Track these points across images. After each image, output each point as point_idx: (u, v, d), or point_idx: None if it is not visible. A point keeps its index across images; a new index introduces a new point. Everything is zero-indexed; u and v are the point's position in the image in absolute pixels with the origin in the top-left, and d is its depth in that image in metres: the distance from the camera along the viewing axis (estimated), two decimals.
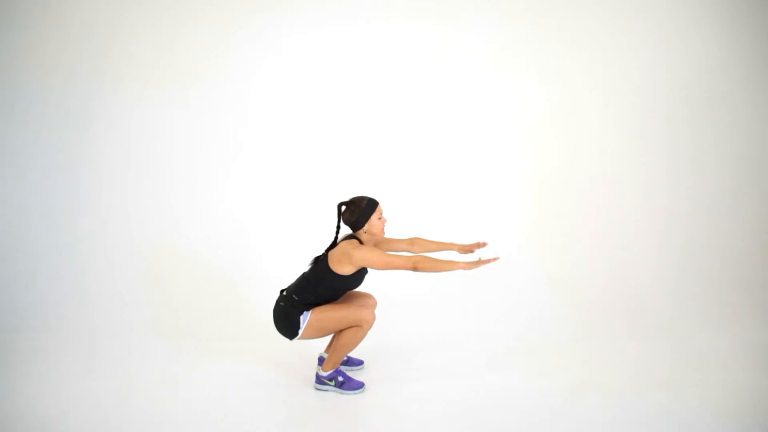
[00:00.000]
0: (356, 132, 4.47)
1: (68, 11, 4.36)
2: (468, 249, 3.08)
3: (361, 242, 2.86)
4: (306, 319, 2.83)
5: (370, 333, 3.39)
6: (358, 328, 2.85)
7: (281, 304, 2.88)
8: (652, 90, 4.35)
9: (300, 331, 2.84)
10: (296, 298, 2.86)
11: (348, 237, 2.91)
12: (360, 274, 2.89)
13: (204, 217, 4.44)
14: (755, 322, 3.67)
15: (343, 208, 2.89)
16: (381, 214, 2.91)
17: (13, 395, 2.92)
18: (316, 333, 2.87)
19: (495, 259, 2.76)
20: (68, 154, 4.39)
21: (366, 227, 2.87)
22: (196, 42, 4.42)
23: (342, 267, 2.81)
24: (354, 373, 3.15)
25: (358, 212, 2.85)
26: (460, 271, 2.83)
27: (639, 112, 4.38)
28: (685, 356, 3.30)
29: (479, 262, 2.72)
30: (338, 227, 2.91)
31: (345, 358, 3.22)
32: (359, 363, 3.24)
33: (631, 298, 3.99)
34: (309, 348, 3.30)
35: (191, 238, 4.39)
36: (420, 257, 2.75)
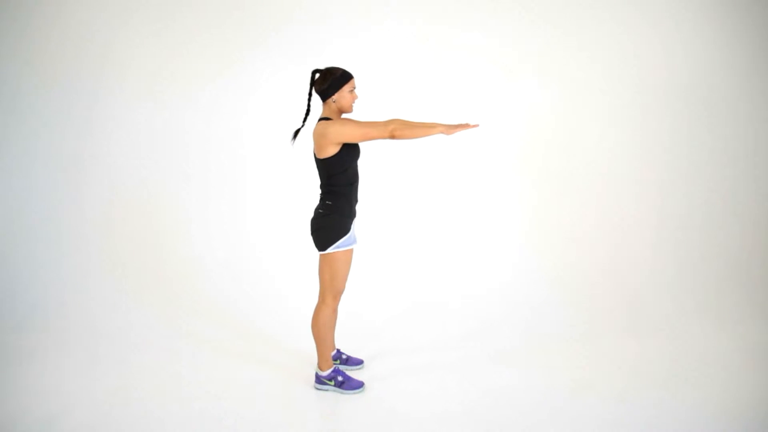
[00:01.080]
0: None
1: (69, 10, 4.36)
2: (453, 129, 2.79)
3: (329, 120, 2.78)
4: (344, 245, 2.81)
5: (370, 332, 3.40)
6: (319, 312, 2.88)
7: (320, 210, 2.85)
8: (651, 89, 4.35)
9: (333, 247, 2.80)
10: (330, 203, 2.83)
11: (319, 120, 2.82)
12: (351, 148, 2.80)
13: (204, 217, 4.44)
14: (755, 322, 3.67)
15: (317, 75, 2.82)
16: (354, 88, 2.81)
17: (13, 395, 2.92)
18: (330, 262, 2.83)
19: (475, 126, 2.69)
20: (68, 153, 4.39)
21: (335, 97, 2.78)
22: (198, 41, 4.42)
23: (325, 150, 2.74)
24: (354, 373, 3.15)
25: (330, 79, 2.76)
26: (440, 136, 2.73)
27: (638, 110, 4.37)
28: (684, 356, 3.30)
29: (459, 126, 2.65)
30: (310, 94, 2.84)
31: (345, 358, 3.22)
32: (359, 363, 3.24)
33: (631, 297, 3.99)
34: (308, 348, 3.30)
35: (191, 238, 4.39)
36: (397, 122, 2.66)
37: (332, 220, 2.82)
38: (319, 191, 2.93)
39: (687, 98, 4.33)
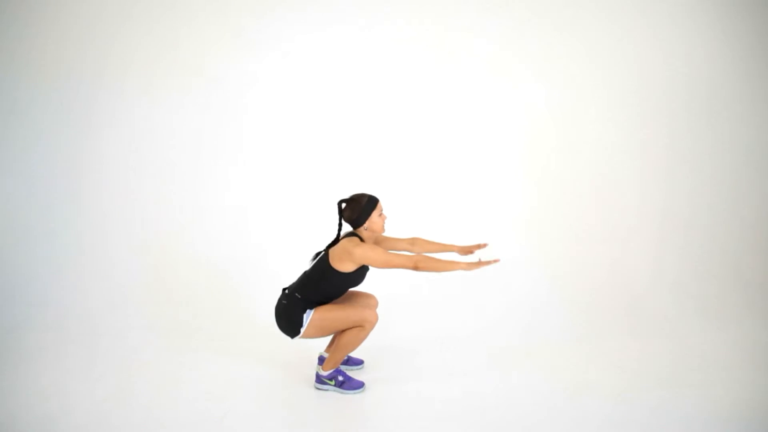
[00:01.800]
0: (357, 131, 4.47)
1: (69, 10, 4.36)
2: (468, 250, 3.09)
3: (361, 239, 2.86)
4: (309, 317, 2.84)
5: (370, 333, 3.38)
6: (360, 329, 2.85)
7: (284, 302, 2.89)
8: (652, 89, 4.35)
9: (302, 330, 2.85)
10: (299, 296, 2.86)
11: (348, 234, 2.91)
12: (361, 272, 2.90)
13: (205, 217, 4.43)
14: (755, 322, 3.67)
15: (344, 205, 2.90)
16: (381, 211, 2.92)
17: (14, 394, 2.92)
18: (318, 332, 2.87)
19: (495, 261, 2.77)
20: (69, 153, 4.39)
21: (367, 224, 2.88)
22: (198, 40, 4.42)
23: (343, 264, 2.81)
24: (354, 373, 3.15)
25: (358, 210, 2.85)
26: (460, 272, 2.84)
27: (638, 111, 4.37)
28: (684, 356, 3.31)
29: (479, 264, 2.73)
30: (340, 225, 2.92)
31: (345, 358, 3.22)
32: (359, 363, 3.24)
33: (631, 297, 3.99)
34: (309, 347, 3.31)
35: (192, 238, 4.39)
36: (421, 257, 2.77)
37: (295, 312, 2.85)
38: (296, 277, 2.97)
39: (688, 98, 4.34)
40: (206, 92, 4.44)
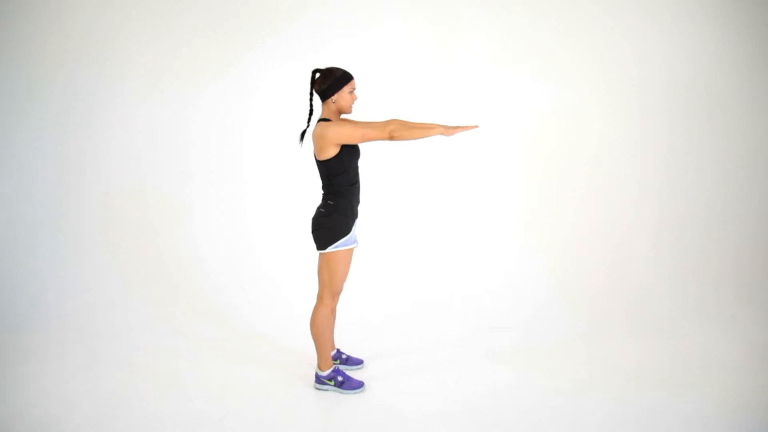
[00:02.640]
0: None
1: (69, 10, 4.36)
2: (452, 130, 2.80)
3: (329, 122, 2.78)
4: (345, 244, 2.81)
5: (370, 332, 3.39)
6: (316, 313, 2.88)
7: (322, 210, 2.85)
8: (651, 89, 4.35)
9: (334, 245, 2.80)
10: (332, 203, 2.83)
11: (318, 122, 2.83)
12: (351, 150, 2.81)
13: (205, 216, 4.44)
14: (755, 322, 3.67)
15: (318, 75, 2.82)
16: (354, 89, 2.81)
17: (13, 395, 2.92)
18: (329, 262, 2.84)
19: (474, 126, 2.69)
20: (68, 153, 4.39)
21: (335, 97, 2.78)
22: (198, 41, 4.42)
23: (325, 152, 2.75)
24: (354, 373, 3.15)
25: (330, 79, 2.76)
26: (439, 137, 2.74)
27: (638, 111, 4.37)
28: (684, 356, 3.30)
29: (457, 128, 2.65)
30: (311, 94, 2.84)
31: (345, 357, 3.22)
32: (359, 362, 3.24)
33: (631, 297, 3.99)
34: (309, 347, 3.30)
35: (192, 238, 4.39)
36: (396, 123, 2.68)
37: (333, 219, 2.82)
38: (321, 192, 2.93)
39: (687, 98, 4.33)
40: (207, 92, 4.44)
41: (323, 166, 2.82)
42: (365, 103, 4.46)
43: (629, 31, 4.35)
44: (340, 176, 2.81)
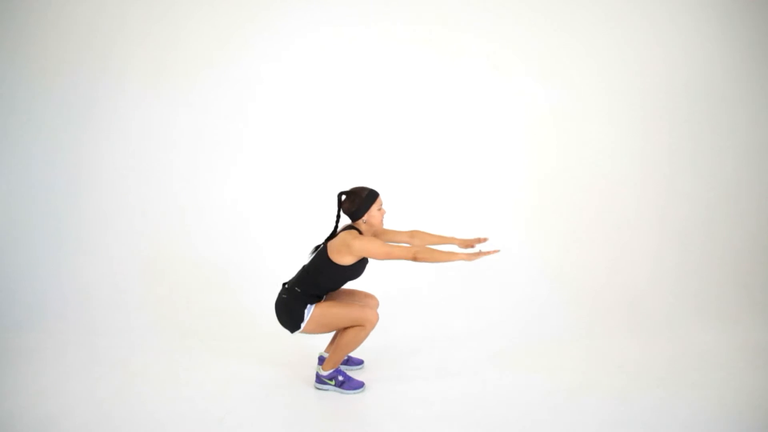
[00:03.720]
0: (358, 131, 4.47)
1: (69, 10, 4.36)
2: (469, 243, 3.08)
3: (360, 233, 2.86)
4: (310, 312, 2.84)
5: (370, 333, 3.38)
6: (360, 328, 2.85)
7: (284, 296, 2.89)
8: (652, 89, 4.35)
9: (303, 324, 2.84)
10: (298, 290, 2.86)
11: (347, 227, 2.91)
12: (361, 265, 2.89)
13: (205, 216, 4.43)
14: (755, 322, 3.67)
15: (343, 197, 2.90)
16: (381, 205, 2.92)
17: (14, 394, 2.92)
18: (318, 328, 2.87)
19: (495, 252, 2.76)
20: (69, 153, 4.39)
21: (365, 218, 2.88)
22: (198, 41, 4.42)
23: (342, 257, 2.81)
24: (354, 373, 3.15)
25: (358, 202, 2.85)
26: (460, 263, 2.82)
27: (638, 111, 4.37)
28: (684, 356, 3.30)
29: (479, 254, 2.72)
30: (338, 217, 2.91)
31: (345, 358, 3.22)
32: (359, 363, 3.24)
33: (631, 297, 3.99)
34: (309, 347, 3.31)
35: (192, 238, 4.39)
36: (420, 247, 2.75)
37: (296, 307, 2.85)
38: (296, 271, 2.97)
39: (687, 98, 4.33)
40: (206, 91, 4.44)
41: (325, 264, 2.84)
42: (366, 103, 4.48)
43: (630, 32, 4.35)
44: (328, 281, 2.87)
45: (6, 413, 2.74)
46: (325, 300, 2.93)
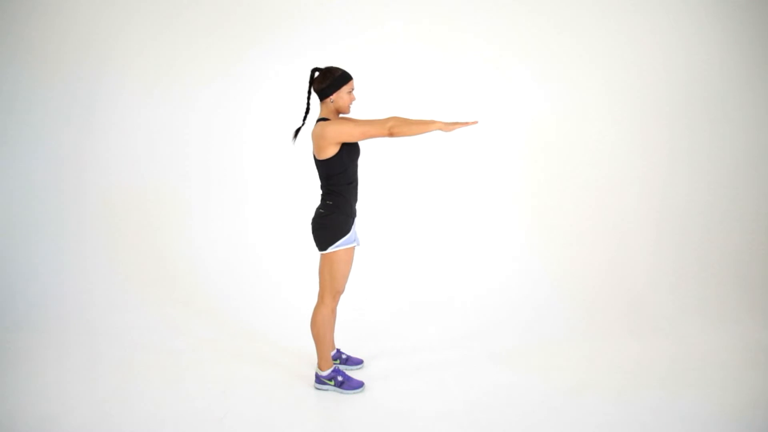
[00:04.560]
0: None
1: (69, 10, 4.36)
2: (452, 126, 2.78)
3: (327, 120, 2.78)
4: (346, 243, 2.82)
5: (370, 333, 3.39)
6: (317, 313, 2.88)
7: (321, 210, 2.85)
8: (652, 90, 4.34)
9: (336, 245, 2.81)
10: (330, 203, 2.83)
11: (317, 122, 2.83)
12: (351, 148, 2.80)
13: (205, 217, 4.44)
14: (755, 322, 3.66)
15: (317, 74, 2.82)
16: (352, 89, 2.81)
17: (14, 394, 2.92)
18: (330, 261, 2.84)
19: (473, 123, 2.69)
20: (68, 153, 4.39)
21: (333, 97, 2.78)
22: (198, 41, 4.42)
23: (324, 151, 2.74)
24: (354, 373, 3.15)
25: (330, 79, 2.76)
26: (438, 133, 2.73)
27: (638, 111, 4.37)
28: (684, 356, 3.30)
29: (457, 123, 2.64)
30: (309, 93, 2.84)
31: (345, 357, 3.22)
32: (359, 363, 3.24)
33: (631, 297, 3.99)
34: (309, 347, 3.30)
35: (192, 238, 4.39)
36: (395, 120, 2.66)
37: (333, 219, 2.82)
38: (320, 191, 2.93)
39: (688, 98, 4.33)
40: (207, 91, 4.44)
41: (322, 165, 2.82)
42: (366, 102, 4.47)
43: (629, 31, 4.35)
44: (339, 175, 2.81)
45: (6, 413, 2.74)
46: (349, 195, 2.85)
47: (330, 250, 2.83)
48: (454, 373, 3.14)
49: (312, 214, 2.93)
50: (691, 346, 3.42)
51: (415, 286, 4.15)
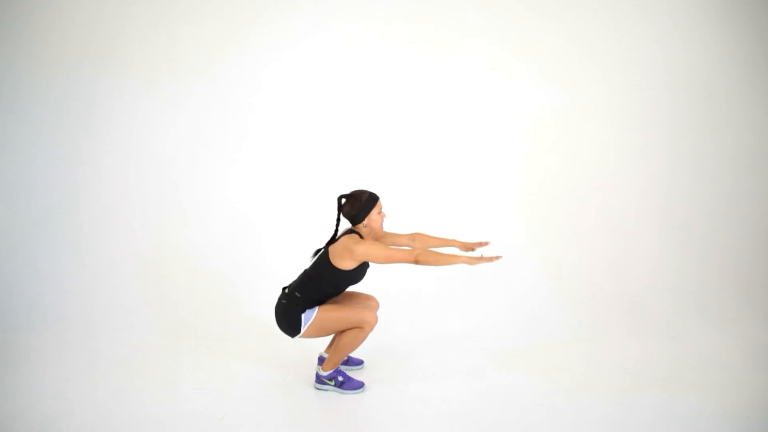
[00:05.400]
0: (359, 132, 4.47)
1: (69, 11, 4.36)
2: (470, 247, 3.07)
3: (361, 237, 2.86)
4: (309, 318, 2.83)
5: (370, 333, 3.38)
6: (359, 330, 2.84)
7: (283, 301, 2.89)
8: (652, 90, 4.35)
9: (302, 329, 2.84)
10: (299, 296, 2.86)
11: (348, 231, 2.91)
12: (362, 269, 2.89)
13: (205, 216, 4.43)
14: (755, 322, 3.67)
15: (343, 201, 2.89)
16: (381, 208, 2.91)
17: (14, 394, 2.92)
18: (318, 332, 2.87)
19: (497, 258, 2.75)
20: (68, 153, 4.38)
21: (366, 221, 2.87)
22: (197, 41, 4.41)
23: (343, 262, 2.80)
24: (354, 373, 3.15)
25: (358, 206, 2.84)
26: (462, 266, 2.82)
27: (639, 111, 4.37)
28: (684, 356, 3.31)
29: (481, 259, 2.72)
30: (338, 220, 2.91)
31: (345, 358, 3.22)
32: (359, 363, 3.24)
33: (631, 297, 3.99)
34: (309, 347, 3.31)
35: (192, 238, 4.39)
36: (422, 250, 2.75)
37: (294, 312, 2.85)
38: (296, 276, 2.96)
39: (688, 98, 4.33)
40: (206, 92, 4.43)
41: (328, 269, 2.83)
42: (366, 104, 4.48)
43: (630, 32, 4.35)
44: (329, 285, 2.86)
45: (6, 413, 2.74)
46: (325, 304, 2.91)
47: (303, 332, 2.85)
48: (454, 373, 3.14)
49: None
50: (691, 346, 3.43)
51: (415, 286, 4.15)
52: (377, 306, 3.10)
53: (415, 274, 4.22)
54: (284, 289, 2.94)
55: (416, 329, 3.70)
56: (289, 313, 2.86)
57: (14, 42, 4.33)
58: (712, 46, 4.32)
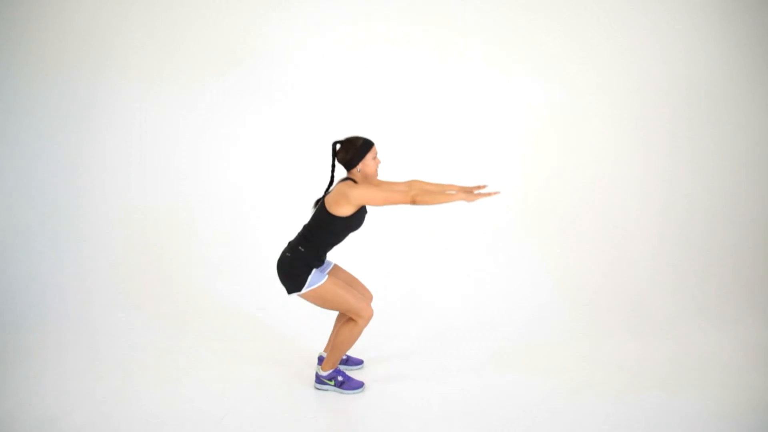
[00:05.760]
0: (359, 132, 4.46)
1: (69, 11, 4.36)
2: (468, 191, 2.98)
3: (355, 183, 2.82)
4: (316, 282, 2.80)
5: (370, 332, 3.39)
6: (354, 324, 2.84)
7: (287, 254, 2.85)
8: (652, 90, 4.35)
9: (304, 290, 2.81)
10: (302, 249, 2.83)
11: (343, 180, 2.87)
12: (360, 215, 2.85)
13: (205, 216, 4.43)
14: (755, 322, 3.67)
15: (338, 146, 2.87)
16: (376, 154, 2.88)
17: (14, 394, 2.92)
18: (315, 299, 2.84)
19: (495, 193, 2.75)
20: (68, 153, 4.39)
21: (360, 166, 2.84)
22: (197, 42, 4.42)
23: (340, 208, 2.77)
24: (354, 373, 3.15)
25: (353, 150, 2.82)
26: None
27: (639, 111, 4.38)
28: (684, 356, 3.31)
29: (479, 195, 2.72)
30: (333, 166, 2.90)
31: (344, 358, 3.22)
32: (359, 362, 3.24)
33: (631, 297, 3.99)
34: (309, 347, 3.31)
35: (192, 238, 4.39)
36: (418, 190, 2.74)
37: (298, 267, 2.82)
38: (299, 230, 2.93)
39: (688, 99, 4.34)
40: (206, 91, 4.44)
41: (325, 218, 2.82)
42: (367, 104, 4.48)
43: (630, 32, 4.35)
44: (330, 234, 2.84)
45: (6, 413, 2.74)
46: (332, 278, 2.87)
47: (305, 291, 2.82)
48: (454, 373, 3.14)
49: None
50: (691, 346, 3.43)
51: (416, 286, 4.15)
52: (371, 298, 3.09)
53: (415, 274, 4.23)
54: (289, 243, 2.90)
55: (416, 329, 3.70)
56: (294, 267, 2.81)
57: (14, 42, 4.33)
58: (712, 46, 4.32)
